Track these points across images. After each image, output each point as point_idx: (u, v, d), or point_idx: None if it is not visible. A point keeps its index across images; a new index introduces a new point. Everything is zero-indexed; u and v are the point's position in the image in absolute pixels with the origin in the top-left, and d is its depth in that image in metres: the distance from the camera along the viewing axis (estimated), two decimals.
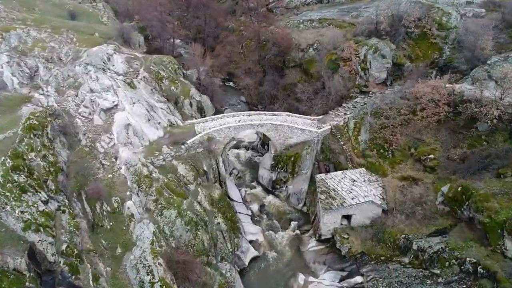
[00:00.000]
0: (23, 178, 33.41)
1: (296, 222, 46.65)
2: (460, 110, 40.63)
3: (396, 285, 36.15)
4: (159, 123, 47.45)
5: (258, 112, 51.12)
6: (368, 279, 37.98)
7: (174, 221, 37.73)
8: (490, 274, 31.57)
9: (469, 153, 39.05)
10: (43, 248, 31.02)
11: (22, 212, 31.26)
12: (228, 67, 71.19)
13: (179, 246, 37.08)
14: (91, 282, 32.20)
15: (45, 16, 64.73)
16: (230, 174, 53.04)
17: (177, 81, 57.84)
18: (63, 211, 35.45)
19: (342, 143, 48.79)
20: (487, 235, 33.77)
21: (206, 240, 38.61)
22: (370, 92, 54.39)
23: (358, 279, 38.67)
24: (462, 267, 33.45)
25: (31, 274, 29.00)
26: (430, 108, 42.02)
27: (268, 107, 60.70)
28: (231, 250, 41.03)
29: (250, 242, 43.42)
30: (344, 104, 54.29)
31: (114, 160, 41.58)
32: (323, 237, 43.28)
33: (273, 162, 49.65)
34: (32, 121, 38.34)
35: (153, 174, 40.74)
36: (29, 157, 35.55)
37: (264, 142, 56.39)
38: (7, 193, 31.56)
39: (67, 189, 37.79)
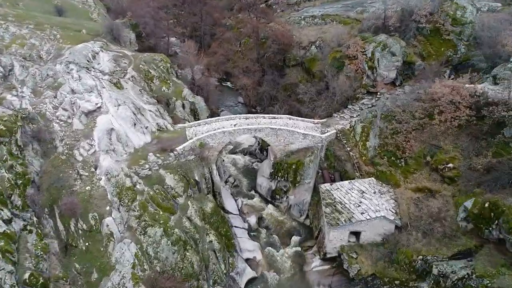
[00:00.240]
0: None
1: (298, 237, 41.25)
2: (484, 113, 34.97)
3: None
4: (146, 128, 41.89)
5: (256, 115, 45.60)
6: None
7: (159, 241, 32.31)
8: None
9: (495, 163, 33.47)
10: (0, 279, 25.56)
11: None
12: (225, 66, 65.56)
13: (165, 269, 31.80)
14: None
15: (30, 11, 59.15)
16: (226, 182, 47.54)
17: (169, 81, 52.25)
18: (30, 231, 30.04)
19: (348, 149, 43.24)
20: None
21: (196, 262, 33.16)
22: (378, 93, 48.83)
23: None
24: None
25: None
26: (450, 111, 36.38)
27: (267, 108, 55.15)
28: (225, 271, 35.64)
29: (247, 260, 37.96)
30: (350, 106, 48.68)
31: (93, 169, 36.11)
32: (328, 256, 37.80)
33: (272, 170, 44.12)
34: None
35: (137, 186, 35.31)
36: None
37: (263, 147, 50.87)
38: None
39: (37, 204, 32.29)
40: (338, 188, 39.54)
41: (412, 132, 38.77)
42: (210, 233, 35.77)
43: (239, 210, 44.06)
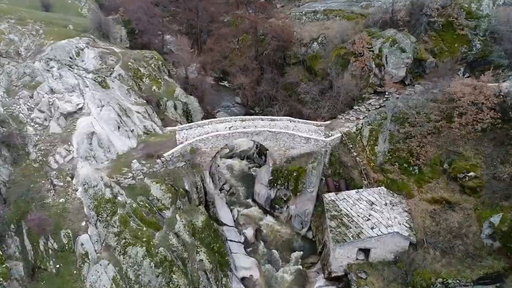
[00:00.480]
0: None
1: (300, 253, 36.52)
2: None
3: None
4: (132, 131, 37.15)
5: (253, 117, 40.80)
6: None
7: (141, 262, 27.56)
8: None
9: None
10: None
11: None
12: (221, 64, 60.66)
13: None
14: None
15: (13, 6, 54.32)
16: (221, 190, 42.75)
17: (160, 80, 47.53)
18: None
19: (355, 154, 38.46)
20: None
21: (183, 285, 28.45)
22: (386, 93, 44.14)
23: None
24: None
25: None
26: (472, 113, 31.57)
27: (266, 109, 50.33)
28: None
29: (243, 280, 33.25)
30: (355, 107, 43.93)
31: (69, 179, 31.46)
32: (333, 275, 33.08)
33: (271, 177, 39.34)
34: None
35: (119, 198, 30.61)
36: None
37: (262, 151, 46.09)
38: None
39: (1, 219, 27.54)
40: (344, 198, 34.78)
41: (427, 136, 33.94)
42: (201, 250, 30.98)
43: (234, 221, 39.30)
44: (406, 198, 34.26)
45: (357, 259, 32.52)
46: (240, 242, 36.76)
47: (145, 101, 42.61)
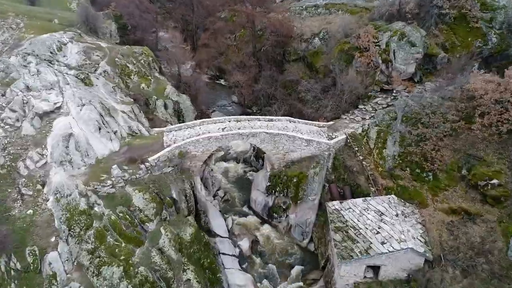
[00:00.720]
0: None
1: (300, 267, 32.41)
2: None
3: None
4: (115, 132, 33.05)
5: (249, 117, 36.64)
6: None
7: (118, 285, 23.53)
8: None
9: None
10: None
11: None
12: (217, 61, 56.48)
13: None
14: None
15: None
16: (215, 196, 38.63)
17: (150, 77, 43.44)
18: None
19: (361, 158, 34.34)
20: None
21: None
22: (394, 91, 39.94)
23: None
24: None
25: None
26: (495, 112, 27.41)
27: (264, 109, 46.34)
28: None
29: None
30: (361, 106, 39.78)
31: (40, 187, 27.43)
32: None
33: (269, 183, 35.24)
34: None
35: (95, 208, 26.57)
36: None
37: (259, 154, 41.96)
38: None
39: None
40: (350, 208, 30.64)
41: (443, 138, 29.77)
42: (188, 268, 26.87)
43: (229, 231, 35.19)
44: (419, 208, 30.10)
45: (365, 277, 28.37)
46: (234, 256, 32.67)
47: (132, 100, 38.53)
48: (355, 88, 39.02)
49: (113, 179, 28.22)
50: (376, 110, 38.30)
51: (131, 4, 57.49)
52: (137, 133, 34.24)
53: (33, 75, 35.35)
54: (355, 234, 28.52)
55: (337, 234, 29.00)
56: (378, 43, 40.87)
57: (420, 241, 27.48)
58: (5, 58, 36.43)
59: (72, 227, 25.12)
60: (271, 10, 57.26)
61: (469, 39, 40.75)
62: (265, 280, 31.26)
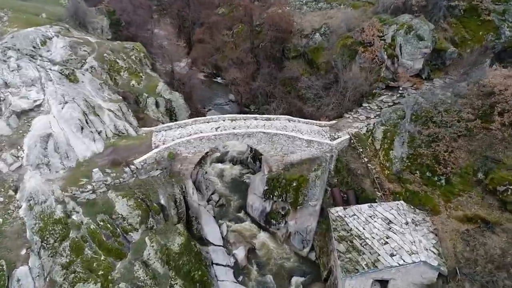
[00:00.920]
0: None
1: (301, 279, 29.46)
2: None
3: None
4: (99, 133, 30.14)
5: (245, 115, 33.71)
6: None
7: None
8: None
9: None
10: None
11: None
12: (213, 57, 53.49)
13: None
14: None
15: None
16: (209, 201, 35.73)
17: (141, 74, 40.46)
18: None
19: (365, 160, 31.40)
20: None
21: None
22: (400, 88, 37.07)
23: None
24: None
25: None
26: None
27: (262, 107, 43.38)
28: None
29: None
30: (365, 104, 36.93)
31: (12, 193, 24.45)
32: None
33: (266, 187, 32.30)
34: None
35: (73, 217, 23.65)
36: None
37: (257, 155, 39.04)
38: None
39: None
40: (355, 215, 27.71)
41: (457, 139, 26.80)
42: (176, 283, 23.98)
43: (223, 238, 32.30)
44: (431, 215, 27.15)
45: None
46: (228, 266, 29.75)
47: (120, 98, 35.61)
48: (359, 85, 36.09)
49: (94, 183, 25.29)
50: (382, 108, 35.44)
51: None
52: (124, 133, 31.33)
53: (12, 70, 32.37)
54: (360, 244, 25.59)
55: (341, 244, 26.07)
56: (383, 37, 37.97)
57: (433, 252, 24.52)
58: None
59: (46, 238, 22.19)
60: (270, 4, 54.24)
61: (481, 32, 37.89)
62: None
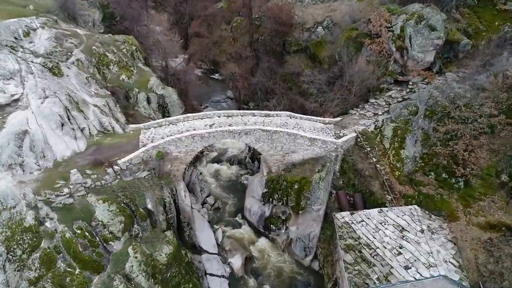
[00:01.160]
0: None
1: None
2: None
3: None
4: (82, 130, 27.14)
5: (242, 111, 30.70)
6: None
7: None
8: None
9: None
10: None
11: None
12: (210, 51, 50.42)
13: None
14: None
15: None
16: (203, 204, 32.71)
17: (132, 68, 37.52)
18: None
19: (374, 160, 28.34)
20: None
21: None
22: (410, 83, 34.00)
23: None
24: None
25: None
26: None
27: (262, 104, 40.33)
28: None
29: None
30: (372, 100, 33.90)
31: None
32: None
33: (265, 190, 29.24)
34: None
35: (46, 224, 20.76)
36: None
37: (255, 155, 36.02)
38: None
39: None
40: (363, 221, 24.67)
41: (478, 137, 23.73)
42: None
43: (218, 245, 29.27)
44: (448, 222, 24.10)
45: None
46: (223, 277, 26.72)
47: (109, 93, 32.61)
48: (366, 78, 33.01)
49: (71, 186, 22.28)
50: (390, 104, 32.37)
51: None
52: (109, 131, 28.33)
53: None
54: (370, 254, 22.56)
55: (348, 254, 23.04)
56: (391, 28, 34.84)
57: (453, 265, 21.47)
58: None
59: (12, 249, 19.20)
60: None
61: (496, 23, 34.78)
62: None
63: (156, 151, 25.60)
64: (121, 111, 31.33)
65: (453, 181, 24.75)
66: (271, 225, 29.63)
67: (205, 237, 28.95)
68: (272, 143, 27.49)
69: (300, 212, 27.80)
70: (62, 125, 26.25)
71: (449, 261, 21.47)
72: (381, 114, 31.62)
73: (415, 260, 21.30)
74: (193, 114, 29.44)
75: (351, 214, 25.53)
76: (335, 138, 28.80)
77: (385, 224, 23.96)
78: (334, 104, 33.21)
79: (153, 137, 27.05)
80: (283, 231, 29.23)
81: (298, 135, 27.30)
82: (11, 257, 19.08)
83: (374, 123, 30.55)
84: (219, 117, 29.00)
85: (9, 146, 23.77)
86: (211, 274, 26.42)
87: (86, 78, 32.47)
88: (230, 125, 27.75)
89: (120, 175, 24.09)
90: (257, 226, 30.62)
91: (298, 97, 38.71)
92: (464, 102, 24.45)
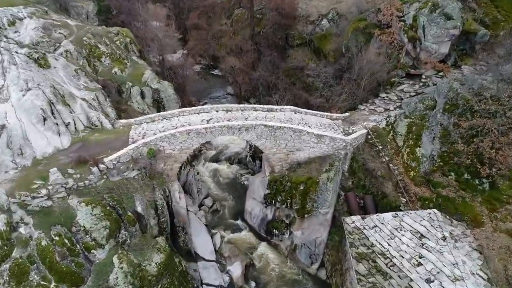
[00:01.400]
0: None
1: None
2: None
3: None
4: (67, 125, 24.54)
5: (242, 105, 28.02)
6: None
7: None
8: None
9: None
10: None
11: None
12: (209, 44, 47.74)
13: None
14: None
15: None
16: (200, 206, 30.05)
17: (126, 61, 34.97)
18: None
19: (387, 158, 25.66)
20: None
21: None
22: (423, 76, 31.31)
23: None
24: None
25: None
26: None
27: (263, 99, 37.72)
28: None
29: None
30: (382, 95, 31.18)
31: None
32: None
33: (268, 191, 26.54)
34: None
35: (20, 230, 18.16)
36: None
37: (257, 154, 33.37)
38: None
39: None
40: (376, 226, 21.99)
41: (508, 132, 21.02)
42: None
43: (216, 251, 26.61)
44: (472, 228, 21.39)
45: None
46: (222, 287, 24.06)
47: (99, 86, 30.04)
48: (377, 71, 30.30)
49: (50, 187, 19.65)
50: (403, 99, 29.70)
51: None
52: (97, 126, 25.72)
53: None
54: (386, 264, 19.86)
55: (361, 263, 20.35)
56: (403, 18, 32.20)
57: (482, 278, 18.74)
58: None
59: None
60: None
61: None
62: None
63: (148, 148, 22.96)
64: (112, 106, 28.81)
65: (477, 182, 22.04)
66: (274, 230, 26.93)
67: (202, 242, 26.29)
68: (275, 140, 24.83)
69: (305, 215, 25.11)
70: (45, 119, 23.67)
71: (476, 274, 18.76)
72: (392, 110, 28.95)
73: (438, 272, 18.62)
74: (189, 109, 26.77)
75: (363, 218, 22.85)
76: (343, 135, 26.14)
77: (401, 230, 21.28)
78: (341, 99, 30.54)
79: (144, 133, 24.42)
80: (286, 236, 26.53)
81: (304, 131, 24.62)
82: None
83: (386, 119, 27.87)
84: (217, 111, 26.34)
85: None
86: (208, 284, 23.78)
87: (75, 70, 29.93)
88: (229, 120, 25.09)
89: (107, 174, 21.46)
90: (258, 230, 27.93)
91: (302, 92, 36.08)
92: (491, 94, 21.74)
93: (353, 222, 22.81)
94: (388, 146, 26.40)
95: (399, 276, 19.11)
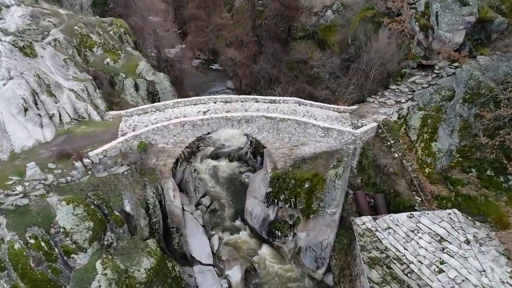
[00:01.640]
0: None
1: None
2: None
3: None
4: (51, 116, 22.30)
5: (243, 96, 25.75)
6: None
7: None
8: None
9: None
10: None
11: None
12: (209, 38, 45.50)
13: None
14: None
15: None
16: (198, 206, 27.78)
17: (119, 52, 32.82)
18: None
19: (399, 154, 23.37)
20: None
21: None
22: (436, 67, 28.97)
23: None
24: None
25: None
26: None
27: (265, 93, 35.46)
28: None
29: None
30: (393, 87, 28.82)
31: None
32: None
33: (270, 189, 24.28)
34: None
35: None
36: None
37: (258, 149, 31.10)
38: None
39: None
40: (390, 228, 19.71)
41: None
42: None
43: (214, 254, 24.35)
44: (497, 230, 19.10)
45: None
46: None
47: (90, 77, 27.82)
48: (387, 61, 27.99)
49: (26, 183, 17.41)
50: (414, 91, 27.40)
51: None
52: (84, 118, 23.49)
53: None
54: (403, 271, 17.58)
55: (374, 270, 18.08)
56: (414, 5, 29.92)
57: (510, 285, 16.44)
58: None
59: None
60: None
61: None
62: None
63: (138, 142, 20.72)
64: (103, 98, 26.61)
65: (502, 179, 19.76)
66: (276, 231, 24.62)
67: (198, 244, 24.04)
68: (278, 134, 22.58)
69: (311, 216, 22.79)
70: (26, 110, 21.43)
71: (506, 282, 16.45)
72: (404, 102, 26.63)
73: (463, 281, 16.32)
74: (185, 99, 24.48)
75: (374, 219, 20.59)
76: (352, 129, 23.86)
77: (418, 232, 18.98)
78: (349, 91, 28.27)
79: (135, 125, 22.19)
80: (290, 238, 24.22)
81: (309, 124, 22.35)
82: None
83: (397, 111, 25.60)
84: (215, 102, 24.10)
85: None
86: None
87: (63, 60, 27.73)
88: (227, 112, 22.84)
89: (92, 170, 19.23)
90: (259, 232, 25.61)
91: (306, 85, 33.81)
92: None
93: (363, 223, 20.55)
94: (400, 141, 24.13)
95: (418, 285, 16.82)
